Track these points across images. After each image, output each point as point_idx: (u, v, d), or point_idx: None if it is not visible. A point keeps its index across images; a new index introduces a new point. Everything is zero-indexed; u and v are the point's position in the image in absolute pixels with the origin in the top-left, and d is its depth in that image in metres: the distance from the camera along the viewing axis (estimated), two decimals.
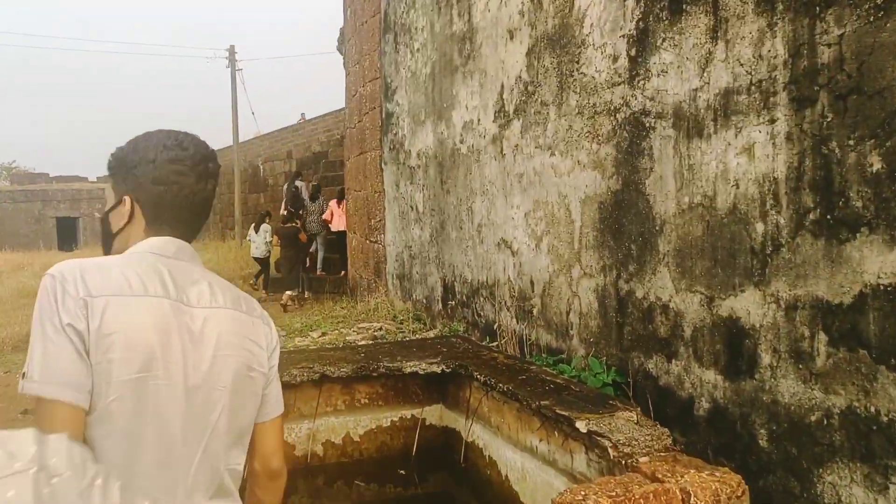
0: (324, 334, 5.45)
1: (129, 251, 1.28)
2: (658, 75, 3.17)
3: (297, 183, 12.87)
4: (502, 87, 4.65)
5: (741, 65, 2.71)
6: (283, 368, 1.94)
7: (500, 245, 4.80)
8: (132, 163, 1.32)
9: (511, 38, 4.50)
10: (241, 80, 27.12)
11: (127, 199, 1.31)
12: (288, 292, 10.56)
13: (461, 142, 5.33)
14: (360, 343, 4.93)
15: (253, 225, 12.66)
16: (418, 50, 6.12)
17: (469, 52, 5.14)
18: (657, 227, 3.21)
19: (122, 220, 1.32)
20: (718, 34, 2.81)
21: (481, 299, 5.13)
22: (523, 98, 4.38)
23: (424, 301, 6.22)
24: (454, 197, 5.52)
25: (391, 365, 3.68)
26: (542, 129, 4.17)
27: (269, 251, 12.34)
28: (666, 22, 3.11)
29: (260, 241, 12.19)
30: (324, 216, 12.02)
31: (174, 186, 1.30)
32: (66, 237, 33.95)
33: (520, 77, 4.41)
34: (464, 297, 5.43)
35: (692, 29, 2.95)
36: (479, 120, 5.03)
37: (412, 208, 6.41)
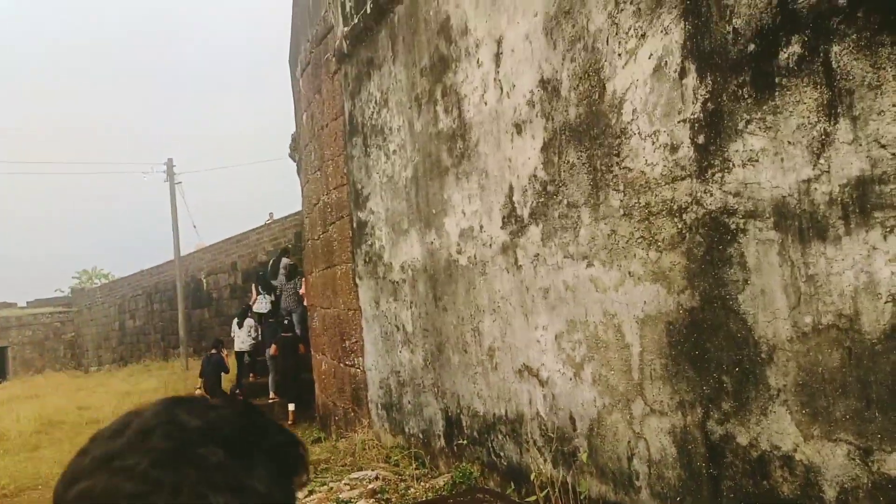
0: (310, 493, 4.51)
1: None
2: (743, 165, 2.54)
3: (285, 260, 12.31)
4: (511, 188, 4.01)
5: (882, 146, 2.09)
6: None
7: (521, 373, 4.03)
8: None
9: (519, 132, 3.89)
10: (181, 193, 26.35)
11: None
12: (291, 407, 10.32)
13: (459, 252, 4.63)
14: None
15: (236, 320, 12.71)
16: (395, 152, 5.49)
17: (462, 151, 4.51)
18: (763, 355, 2.51)
19: None
20: (838, 110, 2.21)
21: (500, 436, 4.31)
22: (542, 200, 3.73)
23: (421, 436, 5.36)
24: (453, 315, 4.77)
25: None
26: (571, 235, 3.51)
27: (255, 344, 12.25)
28: (749, 101, 2.50)
29: (244, 334, 12.25)
30: (300, 291, 11.35)
31: None
32: None
33: (534, 176, 3.77)
34: (475, 434, 4.60)
35: (794, 106, 2.34)
36: (481, 227, 4.35)
37: (398, 328, 5.62)
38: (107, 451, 0.59)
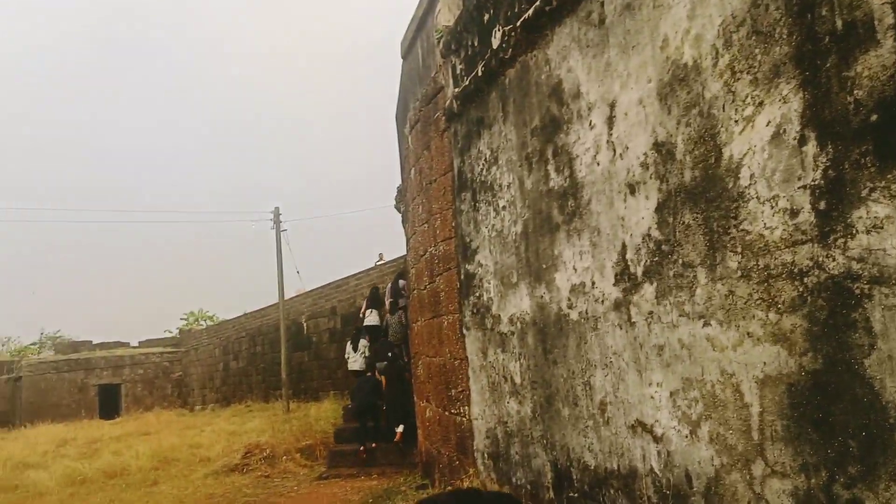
0: None
1: None
2: (867, 232, 2.59)
3: (401, 282, 12.73)
4: (624, 246, 4.12)
5: None
6: None
7: (634, 428, 4.09)
8: None
9: (632, 192, 4.01)
10: (286, 239, 27.39)
11: None
12: (399, 429, 10.66)
13: (570, 307, 4.75)
14: None
15: (350, 342, 13.61)
16: (504, 208, 5.69)
17: (574, 209, 4.66)
18: (892, 420, 2.52)
19: None
20: None
21: (611, 491, 4.35)
22: (655, 259, 3.83)
23: (529, 487, 5.43)
24: (563, 369, 4.87)
25: None
26: (687, 294, 3.58)
27: (367, 364, 12.78)
28: (872, 169, 2.57)
29: (358, 356, 13.05)
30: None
31: None
32: (108, 404, 33.57)
33: (648, 235, 3.88)
34: (585, 487, 4.65)
35: None
36: (592, 283, 4.47)
37: (506, 379, 5.75)
38: None
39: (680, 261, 3.63)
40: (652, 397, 3.91)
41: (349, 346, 13.57)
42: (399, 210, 11.69)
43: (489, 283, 6.04)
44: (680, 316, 3.65)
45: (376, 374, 11.91)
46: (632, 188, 4.02)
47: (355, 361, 13.11)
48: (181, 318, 44.59)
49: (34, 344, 44.15)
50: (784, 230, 2.97)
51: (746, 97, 3.16)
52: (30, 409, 31.36)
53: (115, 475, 12.54)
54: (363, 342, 13.11)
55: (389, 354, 11.61)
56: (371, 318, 13.62)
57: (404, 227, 10.07)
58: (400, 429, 10.69)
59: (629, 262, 4.08)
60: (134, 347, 38.15)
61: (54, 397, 32.73)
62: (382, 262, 17.61)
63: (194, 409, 31.95)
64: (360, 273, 23.81)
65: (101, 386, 34.27)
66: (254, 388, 28.10)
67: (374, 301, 14.05)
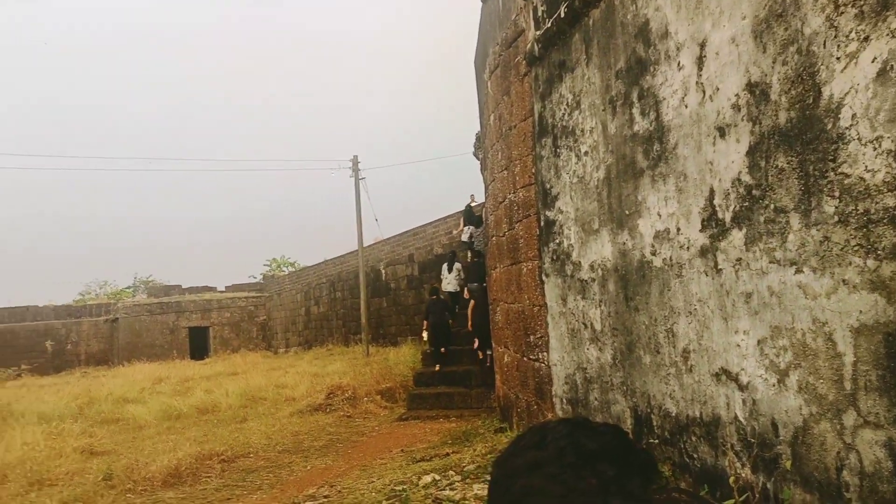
0: None
1: None
2: None
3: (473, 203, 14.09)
4: (711, 191, 4.01)
5: None
6: None
7: (718, 376, 4.04)
8: None
9: (722, 135, 3.88)
10: (365, 188, 27.69)
11: None
12: (489, 351, 10.96)
13: (653, 254, 4.68)
14: None
15: (445, 265, 14.55)
16: (586, 153, 5.60)
17: (659, 154, 4.55)
18: None
19: None
20: None
21: (693, 438, 4.33)
22: (745, 204, 3.71)
23: None
24: (645, 316, 4.83)
25: None
26: (778, 240, 3.47)
27: (461, 286, 13.72)
28: None
29: (453, 277, 14.05)
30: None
31: None
32: (198, 346, 35.19)
33: (738, 180, 3.76)
34: (665, 434, 4.64)
35: None
36: (677, 229, 4.38)
37: (585, 326, 5.75)
38: (536, 458, 0.83)
39: (772, 206, 3.51)
40: (738, 345, 3.84)
41: (444, 268, 14.49)
42: (478, 157, 11.66)
43: (569, 230, 5.99)
44: (770, 263, 3.54)
45: (465, 293, 12.77)
46: (722, 131, 3.89)
47: (449, 283, 14.04)
48: (264, 265, 46.03)
49: (129, 287, 46.46)
50: (887, 173, 2.83)
51: (850, 32, 2.99)
52: (126, 349, 33.22)
53: (207, 412, 13.22)
54: (457, 264, 14.02)
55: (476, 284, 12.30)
56: (465, 235, 14.72)
57: (483, 175, 10.04)
58: (489, 352, 10.98)
59: (717, 208, 3.97)
60: (221, 292, 39.64)
61: (148, 338, 34.52)
62: (475, 203, 17.90)
63: (278, 351, 33.18)
64: (436, 221, 24.00)
65: (191, 328, 35.91)
66: (334, 333, 28.93)
67: (470, 218, 15.01)
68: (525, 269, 7.10)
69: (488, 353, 11.03)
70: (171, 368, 23.36)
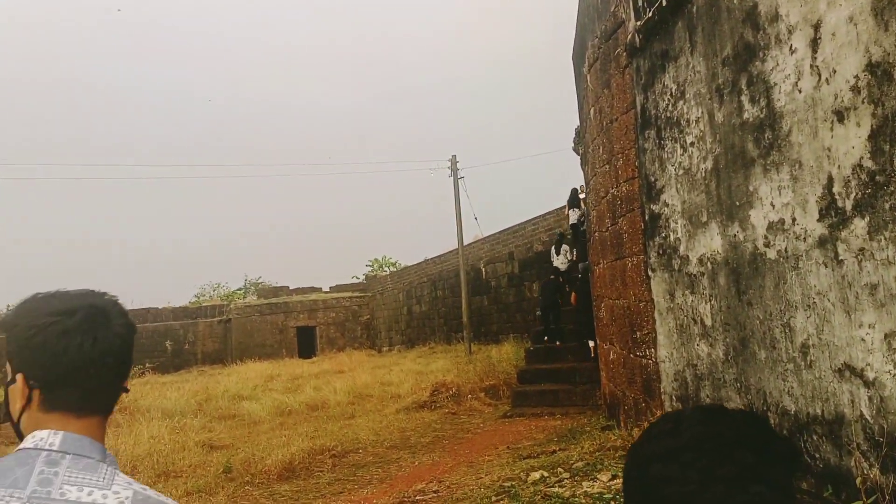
0: (613, 477, 4.70)
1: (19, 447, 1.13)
2: None
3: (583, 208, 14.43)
4: (830, 179, 3.83)
5: None
6: None
7: (841, 372, 3.85)
8: (16, 330, 1.15)
9: (840, 120, 3.71)
10: (464, 187, 27.84)
11: (19, 377, 1.14)
12: (591, 343, 11.10)
13: (766, 245, 4.51)
14: None
15: (553, 247, 15.42)
16: (692, 144, 5.46)
17: (771, 142, 4.38)
18: None
19: (17, 401, 1.16)
20: None
21: (814, 437, 4.15)
22: (868, 191, 3.53)
23: None
24: (759, 310, 4.66)
25: None
26: None
27: (571, 264, 14.61)
28: None
29: (561, 258, 14.92)
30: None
31: (61, 354, 1.12)
32: (305, 345, 36.29)
33: (860, 166, 3.58)
34: (784, 432, 4.46)
35: None
36: (793, 219, 4.21)
37: (695, 321, 5.60)
38: (671, 446, 0.81)
39: None
40: (862, 340, 3.65)
41: (553, 250, 15.38)
42: (577, 152, 11.54)
43: (676, 223, 5.85)
44: None
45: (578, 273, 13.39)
46: (840, 115, 3.71)
47: (561, 264, 14.87)
48: (366, 265, 46.97)
49: (240, 289, 48.40)
50: None
51: None
52: (239, 348, 34.67)
53: (317, 408, 13.66)
54: (565, 247, 14.92)
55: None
56: (572, 217, 15.73)
57: (583, 169, 9.93)
58: (592, 344, 11.09)
59: (836, 196, 3.79)
60: (325, 292, 40.75)
61: (259, 338, 35.90)
62: (582, 194, 17.98)
63: (381, 350, 33.84)
64: (535, 218, 23.85)
65: (298, 328, 37.08)
66: (436, 331, 29.23)
67: (574, 201, 15.85)
68: (630, 265, 6.98)
69: (591, 344, 11.18)
70: (281, 367, 24.23)
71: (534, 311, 20.82)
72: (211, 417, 13.44)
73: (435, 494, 5.44)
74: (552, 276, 14.95)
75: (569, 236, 15.80)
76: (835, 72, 3.74)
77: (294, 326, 37.27)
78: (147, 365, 29.58)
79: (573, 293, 12.79)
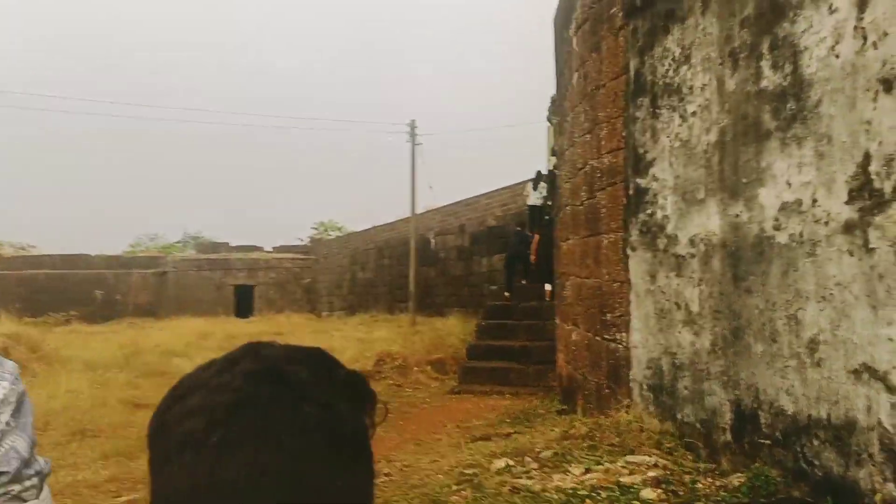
0: (587, 471, 4.26)
1: None
2: None
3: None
4: (867, 156, 3.40)
5: None
6: None
7: (858, 374, 3.46)
8: None
9: (888, 90, 3.27)
10: (421, 154, 27.17)
11: None
12: (548, 287, 11.30)
13: (776, 228, 4.08)
14: None
15: (531, 182, 15.03)
16: (694, 113, 4.99)
17: (794, 113, 3.93)
18: None
19: None
20: None
21: (815, 442, 3.76)
22: None
23: (699, 426, 4.91)
24: (759, 299, 4.24)
25: None
26: None
27: (546, 199, 14.16)
28: None
29: (536, 193, 14.62)
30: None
31: None
32: (243, 304, 35.30)
33: None
34: (777, 434, 4.08)
35: None
36: (813, 200, 3.78)
37: (678, 307, 5.18)
38: (200, 378, 0.62)
39: None
40: (890, 339, 3.25)
41: (529, 186, 15.27)
42: (551, 122, 11.05)
43: (665, 200, 5.41)
44: None
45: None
46: (888, 84, 3.27)
47: (536, 199, 14.87)
48: (312, 228, 45.95)
49: (178, 242, 46.92)
50: None
51: None
52: (173, 303, 33.50)
53: None
54: (542, 184, 14.66)
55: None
56: (532, 198, 15.35)
57: (556, 140, 9.45)
58: (548, 287, 11.23)
59: (873, 176, 3.36)
60: (268, 252, 39.72)
61: (195, 293, 34.75)
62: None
63: (321, 314, 33.12)
64: (491, 192, 23.37)
65: (237, 286, 36.04)
66: (379, 299, 28.64)
67: (536, 183, 15.44)
68: (606, 242, 6.54)
69: (547, 288, 11.36)
70: (216, 325, 23.31)
71: (482, 285, 20.44)
72: (138, 373, 12.62)
73: (387, 477, 4.95)
74: (518, 228, 15.07)
75: (536, 203, 15.65)
76: (885, 34, 3.29)
77: (232, 285, 36.20)
78: (73, 313, 28.25)
79: (534, 240, 13.13)
